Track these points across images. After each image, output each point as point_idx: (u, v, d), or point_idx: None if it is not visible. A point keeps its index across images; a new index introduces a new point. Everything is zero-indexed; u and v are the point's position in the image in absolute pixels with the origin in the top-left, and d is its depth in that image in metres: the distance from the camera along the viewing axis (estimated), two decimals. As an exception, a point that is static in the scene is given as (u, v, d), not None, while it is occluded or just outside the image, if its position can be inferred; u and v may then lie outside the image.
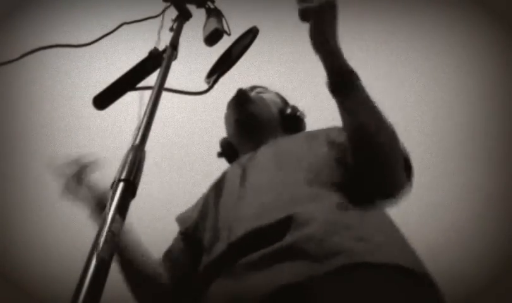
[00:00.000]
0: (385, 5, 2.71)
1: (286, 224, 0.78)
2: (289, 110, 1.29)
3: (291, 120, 1.28)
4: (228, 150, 1.35)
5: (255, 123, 1.23)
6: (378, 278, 0.68)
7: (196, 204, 1.16)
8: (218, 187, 1.09)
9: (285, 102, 1.36)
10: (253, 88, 1.35)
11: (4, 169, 2.36)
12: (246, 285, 0.74)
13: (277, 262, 0.73)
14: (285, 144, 1.08)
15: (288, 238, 0.76)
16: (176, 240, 1.14)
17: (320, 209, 0.80)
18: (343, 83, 0.86)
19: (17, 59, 0.93)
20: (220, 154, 1.39)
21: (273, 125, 1.25)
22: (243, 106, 1.24)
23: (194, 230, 1.08)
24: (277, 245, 0.75)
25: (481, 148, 2.42)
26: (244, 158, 1.13)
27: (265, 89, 1.37)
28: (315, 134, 1.09)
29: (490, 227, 2.20)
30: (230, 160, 1.34)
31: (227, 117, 1.32)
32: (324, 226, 0.76)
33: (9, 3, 2.29)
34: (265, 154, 1.06)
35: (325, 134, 1.06)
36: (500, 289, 1.98)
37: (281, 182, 0.91)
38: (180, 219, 1.16)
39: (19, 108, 2.39)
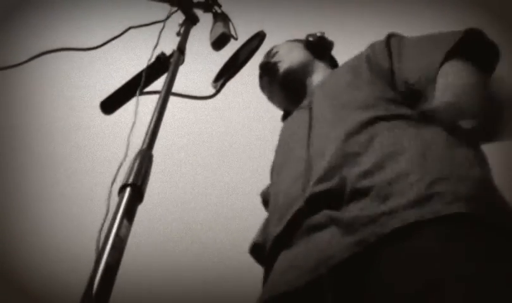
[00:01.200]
0: (384, 5, 2.71)
1: (340, 187, 0.74)
2: (310, 39, 1.25)
3: (319, 45, 1.24)
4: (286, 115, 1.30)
5: (295, 75, 1.19)
6: (452, 233, 0.61)
7: None
8: (278, 150, 1.07)
9: (300, 40, 1.31)
10: (268, 54, 1.29)
11: (10, 169, 2.37)
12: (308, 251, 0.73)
13: (339, 228, 0.70)
14: (332, 86, 1.03)
15: (345, 204, 0.72)
16: None
17: (371, 161, 0.74)
18: None
19: (25, 62, 0.94)
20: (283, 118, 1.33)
21: (310, 63, 1.21)
22: (274, 73, 1.20)
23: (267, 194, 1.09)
24: (335, 213, 0.72)
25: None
26: (304, 105, 1.07)
27: (277, 46, 1.30)
28: (358, 66, 1.02)
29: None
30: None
31: (270, 96, 1.28)
32: (378, 178, 0.71)
33: (16, 8, 2.30)
34: (320, 103, 1.00)
35: (367, 60, 1.00)
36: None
37: (332, 138, 0.85)
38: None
39: (25, 110, 2.40)
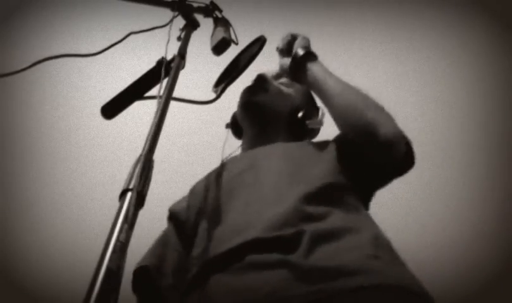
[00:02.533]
0: (384, 5, 2.71)
1: (296, 237, 0.78)
2: (300, 114, 1.19)
3: (298, 125, 1.19)
4: (235, 125, 1.32)
5: (258, 113, 1.19)
6: (390, 299, 0.70)
7: (190, 192, 1.10)
8: (218, 179, 1.04)
9: (306, 103, 1.26)
10: (279, 75, 1.27)
11: (11, 171, 2.38)
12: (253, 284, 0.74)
13: (290, 274, 0.73)
14: (292, 151, 1.05)
15: (300, 252, 0.76)
16: (166, 229, 1.08)
17: (331, 226, 0.82)
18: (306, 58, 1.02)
19: (27, 68, 0.94)
20: (227, 125, 1.36)
21: (277, 123, 1.19)
22: (253, 93, 1.22)
23: (184, 216, 1.04)
24: (289, 257, 0.75)
25: (481, 148, 2.42)
26: (248, 155, 1.11)
27: (292, 83, 1.24)
28: (322, 144, 1.07)
29: (490, 228, 2.19)
30: (235, 133, 1.34)
31: (240, 97, 1.27)
32: (336, 244, 0.77)
33: (17, 15, 2.32)
34: (274, 158, 1.02)
35: (333, 140, 1.07)
36: (499, 290, 1.98)
37: (290, 192, 0.89)
38: (172, 208, 1.11)
39: (27, 116, 2.42)
